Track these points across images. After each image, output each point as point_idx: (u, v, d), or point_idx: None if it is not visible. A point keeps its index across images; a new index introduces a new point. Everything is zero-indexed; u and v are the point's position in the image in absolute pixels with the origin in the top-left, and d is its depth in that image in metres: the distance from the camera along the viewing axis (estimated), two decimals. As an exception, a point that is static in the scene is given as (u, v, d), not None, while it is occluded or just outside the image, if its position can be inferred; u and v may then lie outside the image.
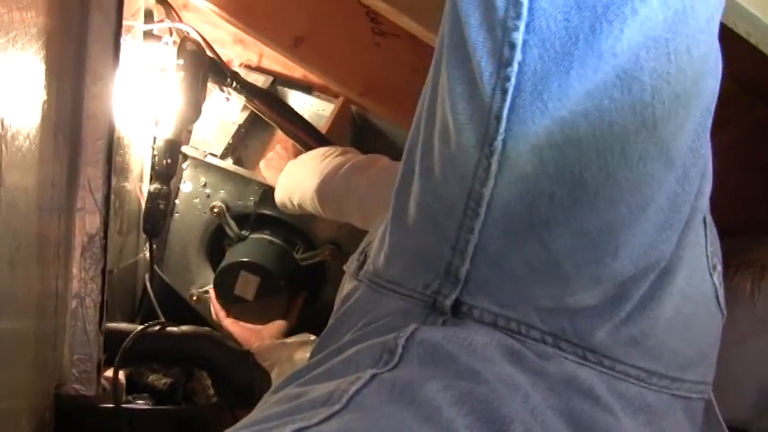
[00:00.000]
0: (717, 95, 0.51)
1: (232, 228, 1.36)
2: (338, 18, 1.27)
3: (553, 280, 0.52)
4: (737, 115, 0.85)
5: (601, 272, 0.51)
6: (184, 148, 1.36)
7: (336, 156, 1.13)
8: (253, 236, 1.35)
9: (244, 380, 1.00)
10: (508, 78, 0.46)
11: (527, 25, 0.44)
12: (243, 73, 1.42)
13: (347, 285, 0.67)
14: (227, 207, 1.36)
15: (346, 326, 0.60)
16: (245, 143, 1.42)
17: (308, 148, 1.31)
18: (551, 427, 0.47)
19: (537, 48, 0.44)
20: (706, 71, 0.48)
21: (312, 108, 1.44)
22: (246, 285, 1.25)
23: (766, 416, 0.79)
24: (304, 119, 1.34)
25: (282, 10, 1.28)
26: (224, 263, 1.29)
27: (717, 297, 0.58)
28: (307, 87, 1.47)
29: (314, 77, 1.43)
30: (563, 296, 0.52)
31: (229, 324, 1.25)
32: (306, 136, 1.31)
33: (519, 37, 0.44)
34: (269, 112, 1.31)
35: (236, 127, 1.39)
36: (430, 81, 0.55)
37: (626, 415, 0.51)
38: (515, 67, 0.45)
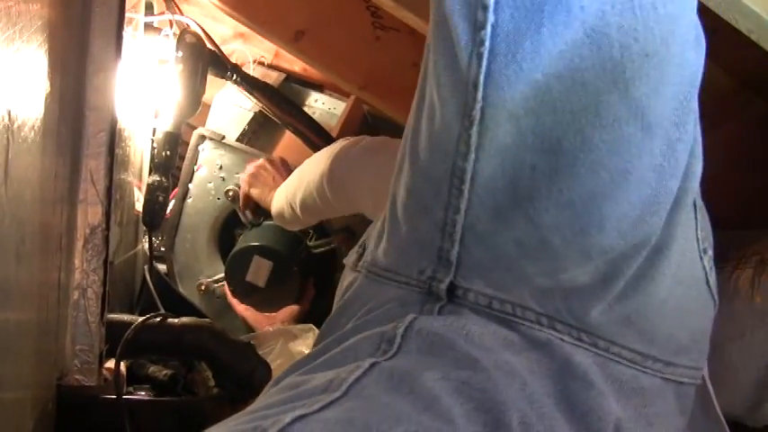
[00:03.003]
0: (701, 72, 0.51)
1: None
2: (339, 12, 1.27)
3: (543, 256, 0.52)
4: (737, 111, 0.86)
5: (589, 245, 0.51)
6: (202, 130, 1.36)
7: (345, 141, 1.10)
8: (266, 222, 1.35)
9: (244, 371, 1.00)
10: (482, 42, 0.46)
11: None
12: (255, 69, 1.43)
13: (347, 277, 0.67)
14: None
15: (346, 316, 0.61)
16: (259, 130, 1.42)
17: (307, 140, 1.31)
18: (548, 414, 0.48)
19: (509, 7, 0.45)
20: (679, 36, 0.48)
21: (323, 106, 1.44)
22: (259, 271, 1.25)
23: (760, 409, 0.80)
24: (304, 111, 1.34)
25: (283, 3, 1.28)
26: (237, 247, 1.30)
27: (707, 281, 0.58)
28: (318, 85, 1.47)
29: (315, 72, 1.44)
30: (555, 273, 0.52)
31: (243, 310, 1.25)
32: (305, 129, 1.32)
33: None
34: (269, 104, 1.31)
35: (251, 114, 1.39)
36: (422, 67, 0.55)
37: (620, 398, 0.52)
38: (489, 29, 0.46)
